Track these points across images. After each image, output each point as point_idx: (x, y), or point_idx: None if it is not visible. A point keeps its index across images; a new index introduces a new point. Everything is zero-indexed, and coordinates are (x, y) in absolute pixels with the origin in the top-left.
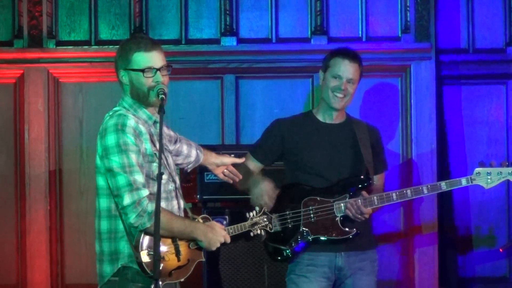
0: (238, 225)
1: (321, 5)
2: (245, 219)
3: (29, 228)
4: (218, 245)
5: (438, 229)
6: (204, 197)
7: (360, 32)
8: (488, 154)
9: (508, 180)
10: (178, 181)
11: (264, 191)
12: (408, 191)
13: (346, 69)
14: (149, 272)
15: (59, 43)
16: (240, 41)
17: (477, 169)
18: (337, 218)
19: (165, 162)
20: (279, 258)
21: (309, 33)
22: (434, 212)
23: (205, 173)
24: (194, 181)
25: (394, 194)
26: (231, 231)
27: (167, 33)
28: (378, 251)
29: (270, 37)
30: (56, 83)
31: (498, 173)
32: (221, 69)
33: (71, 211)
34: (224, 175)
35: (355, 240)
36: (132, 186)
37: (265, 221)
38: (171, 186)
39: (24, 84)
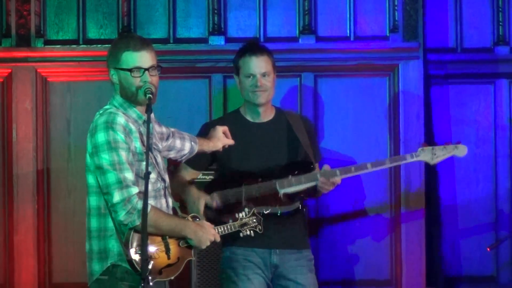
0: (228, 224)
1: (309, 4)
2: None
3: (16, 227)
4: (208, 243)
5: (426, 228)
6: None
7: (348, 32)
8: (476, 153)
9: (454, 156)
10: (167, 180)
11: (196, 197)
12: (352, 167)
13: (255, 65)
14: (139, 269)
15: (47, 42)
16: (228, 40)
17: (421, 147)
18: (280, 194)
19: (154, 161)
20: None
21: (297, 32)
22: (422, 212)
23: None
24: None
25: (353, 168)
26: (220, 230)
27: (155, 32)
28: (365, 250)
29: (258, 36)
30: (44, 82)
31: (442, 149)
32: (209, 68)
33: (59, 210)
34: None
35: (290, 238)
36: (122, 184)
37: (255, 222)
38: (160, 185)
39: (12, 83)
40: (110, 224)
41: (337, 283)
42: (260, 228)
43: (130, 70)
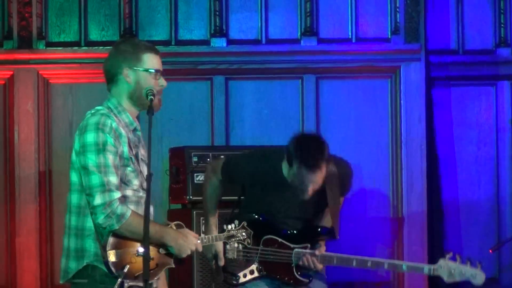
0: (214, 235)
1: (311, 6)
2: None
3: (18, 229)
4: (189, 252)
5: (428, 231)
6: (194, 198)
7: (350, 33)
8: (478, 154)
9: (469, 281)
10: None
11: (217, 251)
12: (369, 262)
13: (309, 179)
14: (114, 272)
15: (49, 44)
16: (229, 42)
17: (442, 262)
18: (293, 265)
19: (139, 169)
20: (228, 282)
21: (299, 34)
22: (424, 214)
23: (195, 174)
24: (184, 182)
25: (354, 260)
26: (205, 240)
27: (157, 34)
28: (368, 252)
29: (259, 38)
30: (46, 84)
31: (461, 273)
32: (210, 70)
33: (60, 212)
34: None
35: None
36: (104, 187)
37: (244, 236)
38: (141, 193)
39: (14, 85)
40: (89, 224)
41: (339, 285)
42: (249, 241)
43: (155, 72)
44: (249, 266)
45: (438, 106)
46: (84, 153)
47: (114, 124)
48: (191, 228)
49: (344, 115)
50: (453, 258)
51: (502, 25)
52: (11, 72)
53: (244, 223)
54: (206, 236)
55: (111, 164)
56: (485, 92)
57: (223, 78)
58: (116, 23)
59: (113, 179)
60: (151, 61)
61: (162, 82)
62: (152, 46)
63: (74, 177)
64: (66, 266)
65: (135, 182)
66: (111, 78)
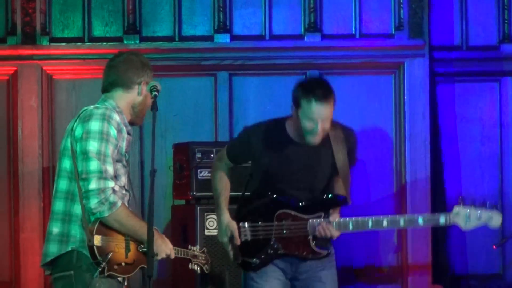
0: (184, 250)
1: (314, 2)
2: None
3: (22, 225)
4: (164, 255)
5: (431, 227)
6: (198, 194)
7: (353, 29)
8: (481, 150)
9: (487, 226)
10: (131, 194)
11: (232, 231)
12: (385, 220)
13: (319, 112)
14: (98, 256)
15: (53, 40)
16: (233, 38)
17: (457, 208)
18: (309, 237)
19: (127, 168)
20: (246, 268)
21: (303, 30)
22: (428, 209)
23: (199, 170)
24: (187, 178)
25: (370, 221)
26: (174, 251)
27: (161, 29)
28: (372, 248)
29: (263, 34)
30: (49, 80)
31: (477, 216)
32: (214, 66)
33: None
34: None
35: None
36: (102, 174)
37: (203, 260)
38: (124, 192)
39: (18, 81)
40: (77, 210)
41: (343, 280)
42: (207, 268)
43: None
44: (266, 246)
45: (442, 102)
46: (87, 139)
47: (118, 119)
48: (194, 224)
49: (348, 111)
50: (467, 203)
51: (506, 21)
52: (15, 68)
53: (204, 249)
54: (177, 249)
55: (110, 155)
56: (489, 88)
57: (227, 74)
58: (120, 19)
59: (110, 169)
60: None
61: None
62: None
63: (65, 164)
64: (47, 249)
65: (123, 179)
66: (125, 84)
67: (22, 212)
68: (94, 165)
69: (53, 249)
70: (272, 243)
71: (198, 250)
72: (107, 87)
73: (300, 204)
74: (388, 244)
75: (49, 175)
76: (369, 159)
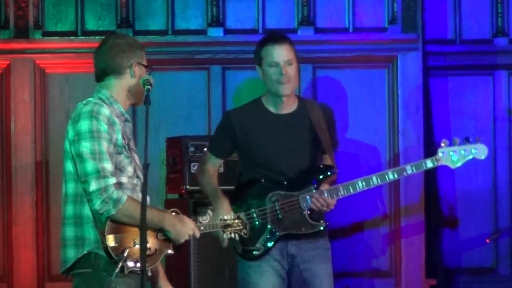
0: (211, 224)
1: None
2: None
3: (15, 219)
4: (187, 237)
5: (425, 219)
6: (191, 188)
7: (347, 23)
8: None
9: (474, 158)
10: (142, 179)
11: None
12: (374, 177)
13: (279, 53)
14: (114, 256)
15: (46, 34)
16: (227, 32)
17: (441, 150)
18: (305, 212)
19: (132, 157)
20: (248, 258)
21: (296, 24)
22: (421, 203)
23: (192, 164)
24: (181, 172)
25: (360, 182)
26: (202, 228)
27: (154, 23)
28: (364, 240)
29: (257, 28)
30: (42, 74)
31: (463, 152)
32: (207, 60)
33: (57, 202)
34: None
35: None
36: (99, 173)
37: (240, 226)
38: (136, 181)
39: (11, 75)
40: (87, 212)
41: (336, 274)
42: (246, 232)
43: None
44: (264, 232)
45: (435, 95)
46: (79, 141)
47: (107, 112)
48: None
49: (341, 104)
50: (450, 144)
51: (499, 15)
52: (8, 62)
53: (240, 214)
54: (203, 224)
55: (105, 151)
56: (483, 81)
57: (220, 67)
58: (113, 13)
59: (108, 166)
60: (144, 57)
61: (148, 77)
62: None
63: (69, 167)
64: (65, 255)
65: (129, 169)
66: (115, 70)
67: (15, 206)
68: (90, 166)
69: (71, 254)
70: (269, 227)
71: (231, 218)
72: (99, 76)
73: (288, 182)
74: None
75: (42, 169)
76: (362, 152)
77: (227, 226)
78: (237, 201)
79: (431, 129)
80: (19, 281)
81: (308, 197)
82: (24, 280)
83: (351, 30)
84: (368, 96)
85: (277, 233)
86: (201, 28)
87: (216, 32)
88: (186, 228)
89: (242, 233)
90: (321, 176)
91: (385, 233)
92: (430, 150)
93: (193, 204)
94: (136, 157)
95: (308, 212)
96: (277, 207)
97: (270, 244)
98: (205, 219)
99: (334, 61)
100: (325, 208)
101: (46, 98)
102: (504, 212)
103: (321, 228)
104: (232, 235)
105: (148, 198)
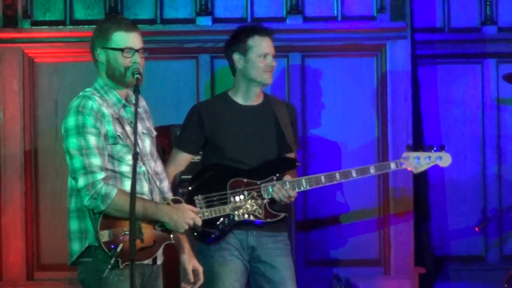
0: (217, 208)
1: None
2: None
3: (4, 209)
4: (186, 227)
5: (414, 208)
6: (180, 177)
7: (335, 11)
8: (464, 133)
9: (436, 165)
10: (152, 166)
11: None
12: (337, 174)
13: (270, 44)
14: (108, 252)
15: (34, 23)
16: (215, 20)
17: (405, 153)
18: (265, 201)
19: (132, 145)
20: (206, 240)
21: (285, 12)
22: (410, 192)
23: None
24: None
25: (322, 177)
26: (206, 214)
27: (142, 12)
28: (353, 229)
29: (245, 17)
30: (31, 63)
31: (427, 157)
32: (196, 49)
33: (46, 191)
34: None
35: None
36: (86, 169)
37: (254, 206)
38: (140, 169)
39: None
40: None
41: (326, 263)
42: (260, 212)
43: (122, 50)
44: (222, 216)
45: (424, 84)
46: (67, 137)
47: (95, 105)
48: None
49: (330, 93)
50: (415, 149)
51: (488, 3)
52: None
53: (253, 193)
54: (208, 209)
55: (93, 146)
56: (471, 70)
57: (209, 56)
58: (102, 2)
59: (96, 161)
60: (120, 39)
61: (136, 58)
62: (125, 24)
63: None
64: (71, 249)
65: (129, 157)
66: (94, 58)
67: (4, 195)
68: (77, 162)
69: (76, 248)
70: (228, 211)
71: (242, 199)
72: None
73: (252, 170)
74: (369, 225)
75: (30, 158)
76: (351, 141)
77: (235, 209)
78: (197, 183)
79: (419, 117)
80: (8, 271)
81: (270, 187)
82: (13, 269)
83: (339, 18)
84: (357, 84)
85: (235, 218)
86: (189, 17)
87: (204, 21)
88: (184, 218)
89: (257, 213)
90: (284, 168)
91: (374, 221)
92: (419, 138)
93: (181, 194)
94: (148, 142)
95: (269, 201)
96: (238, 193)
97: (226, 229)
98: (238, 199)
99: (323, 49)
100: (286, 199)
101: (35, 88)
102: (493, 200)
103: (280, 218)
104: (246, 216)
105: (156, 188)
